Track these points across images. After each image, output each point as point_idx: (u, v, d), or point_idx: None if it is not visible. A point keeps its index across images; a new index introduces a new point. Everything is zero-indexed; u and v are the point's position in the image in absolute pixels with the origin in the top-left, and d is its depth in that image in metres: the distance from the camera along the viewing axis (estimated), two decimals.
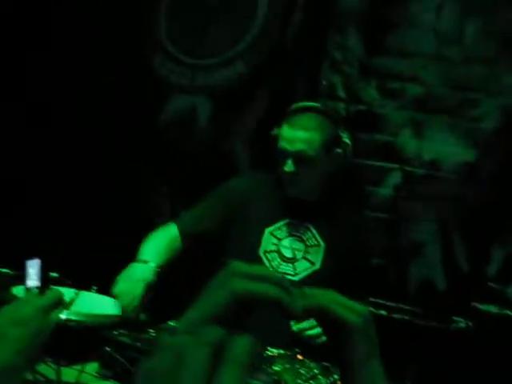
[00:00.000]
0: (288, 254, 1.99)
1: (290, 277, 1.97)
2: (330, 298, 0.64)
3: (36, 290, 1.05)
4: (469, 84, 2.91)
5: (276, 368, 1.44)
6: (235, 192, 2.09)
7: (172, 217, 3.29)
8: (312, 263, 1.98)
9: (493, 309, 2.83)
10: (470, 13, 2.89)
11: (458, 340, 2.82)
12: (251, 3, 3.23)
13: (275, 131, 2.02)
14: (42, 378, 1.35)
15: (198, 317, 0.57)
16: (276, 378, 1.37)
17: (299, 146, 1.91)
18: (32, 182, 3.31)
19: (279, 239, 2.00)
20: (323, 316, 0.63)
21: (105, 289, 1.85)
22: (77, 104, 3.41)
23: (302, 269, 1.98)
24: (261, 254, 1.99)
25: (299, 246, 2.00)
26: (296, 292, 0.62)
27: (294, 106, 2.01)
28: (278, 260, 1.98)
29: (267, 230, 2.00)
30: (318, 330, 1.79)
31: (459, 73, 2.94)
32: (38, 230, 3.08)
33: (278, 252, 1.99)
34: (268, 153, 3.15)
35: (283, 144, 1.93)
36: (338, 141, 1.98)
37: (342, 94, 3.10)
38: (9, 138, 3.34)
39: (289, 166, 1.91)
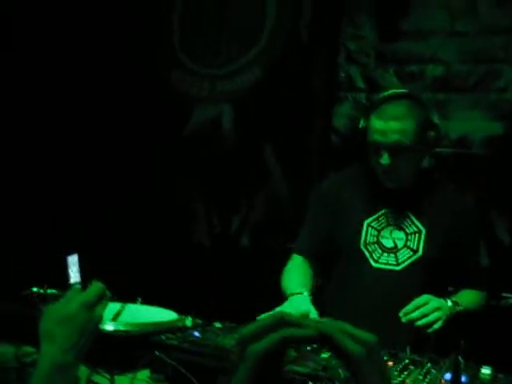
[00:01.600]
0: (389, 244, 1.97)
1: (392, 267, 1.95)
2: (336, 327, 0.65)
3: (79, 286, 1.07)
4: (488, 56, 2.88)
5: (324, 355, 1.45)
6: (328, 195, 2.11)
7: (207, 222, 3.40)
8: (414, 251, 1.95)
9: None
10: None
11: (509, 316, 2.78)
12: (260, 6, 3.27)
13: (362, 123, 1.98)
14: None
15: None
16: (325, 363, 1.38)
17: (393, 138, 1.86)
18: (69, 195, 3.42)
19: (378, 230, 1.99)
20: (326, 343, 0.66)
21: (149, 300, 1.89)
22: (104, 126, 3.51)
23: (405, 257, 1.96)
24: (361, 246, 1.98)
25: (399, 234, 1.97)
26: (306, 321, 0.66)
27: (381, 95, 1.97)
28: (379, 251, 1.97)
29: (366, 222, 1.99)
30: (428, 319, 1.75)
31: (477, 46, 2.91)
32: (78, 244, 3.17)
33: (379, 243, 1.98)
34: (293, 149, 3.22)
35: (376, 137, 1.89)
36: (430, 123, 1.94)
37: (361, 84, 3.10)
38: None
39: (385, 159, 1.88)
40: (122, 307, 1.75)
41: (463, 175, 2.87)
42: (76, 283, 1.10)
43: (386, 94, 1.97)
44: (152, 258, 3.27)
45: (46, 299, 1.76)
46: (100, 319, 1.05)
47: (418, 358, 1.41)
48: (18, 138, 3.36)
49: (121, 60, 3.50)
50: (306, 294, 1.89)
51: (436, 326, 1.75)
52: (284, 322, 0.65)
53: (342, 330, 0.65)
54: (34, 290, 1.78)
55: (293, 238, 3.10)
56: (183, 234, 3.39)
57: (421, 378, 1.27)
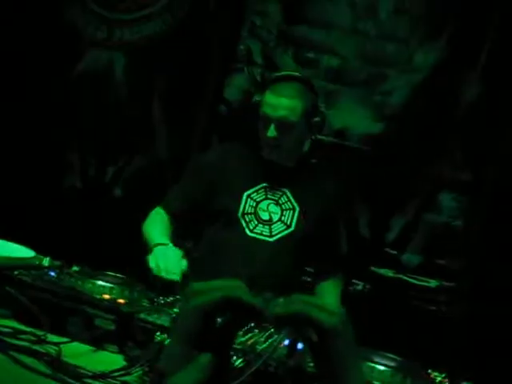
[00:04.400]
0: (265, 216, 2.07)
1: (266, 238, 2.06)
2: (306, 302, 0.66)
3: None
4: (381, 59, 3.03)
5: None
6: (210, 164, 2.16)
7: (82, 171, 3.32)
8: (287, 226, 2.07)
9: (389, 273, 3.00)
10: None
11: (356, 301, 2.98)
12: None
13: (257, 97, 2.11)
14: None
15: (176, 341, 0.62)
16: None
17: (282, 113, 1.99)
18: None
19: (257, 202, 2.09)
20: (298, 320, 0.64)
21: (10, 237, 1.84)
22: None
23: (278, 231, 2.07)
24: (239, 216, 2.06)
25: (275, 209, 2.09)
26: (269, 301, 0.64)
27: (277, 74, 2.11)
28: (255, 222, 2.06)
29: (245, 194, 2.09)
30: None
31: (373, 48, 3.05)
32: None
33: (256, 214, 2.07)
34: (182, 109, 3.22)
35: (267, 110, 2.01)
36: (316, 110, 2.09)
37: (259, 59, 3.15)
38: None
39: (271, 132, 2.00)
40: None
41: (337, 165, 3.02)
42: None
43: (283, 72, 2.10)
44: (23, 197, 3.15)
45: None
46: None
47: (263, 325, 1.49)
48: None
49: None
50: (170, 245, 1.92)
51: None
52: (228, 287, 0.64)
53: (311, 304, 0.66)
54: None
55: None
56: (56, 177, 3.29)
57: (262, 340, 1.35)
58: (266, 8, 3.12)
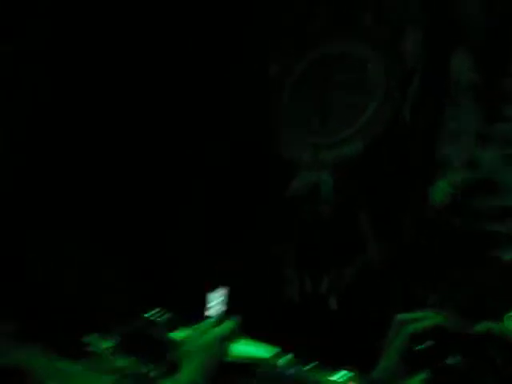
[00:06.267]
0: None
1: None
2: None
3: (213, 320, 1.24)
4: None
5: None
6: None
7: (299, 286, 3.51)
8: None
9: None
10: None
11: None
12: (368, 84, 3.48)
13: None
14: None
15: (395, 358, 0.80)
16: None
17: None
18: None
19: None
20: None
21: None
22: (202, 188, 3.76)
23: None
24: None
25: None
26: None
27: None
28: None
29: None
30: None
31: None
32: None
33: None
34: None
35: None
36: None
37: (458, 162, 3.20)
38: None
39: None
40: None
41: None
42: (212, 317, 1.28)
43: None
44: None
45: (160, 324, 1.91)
46: (228, 352, 1.23)
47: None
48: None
49: (233, 124, 3.78)
50: None
51: None
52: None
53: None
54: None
55: (379, 310, 3.18)
56: (276, 290, 3.52)
57: None
58: (462, 111, 3.20)
